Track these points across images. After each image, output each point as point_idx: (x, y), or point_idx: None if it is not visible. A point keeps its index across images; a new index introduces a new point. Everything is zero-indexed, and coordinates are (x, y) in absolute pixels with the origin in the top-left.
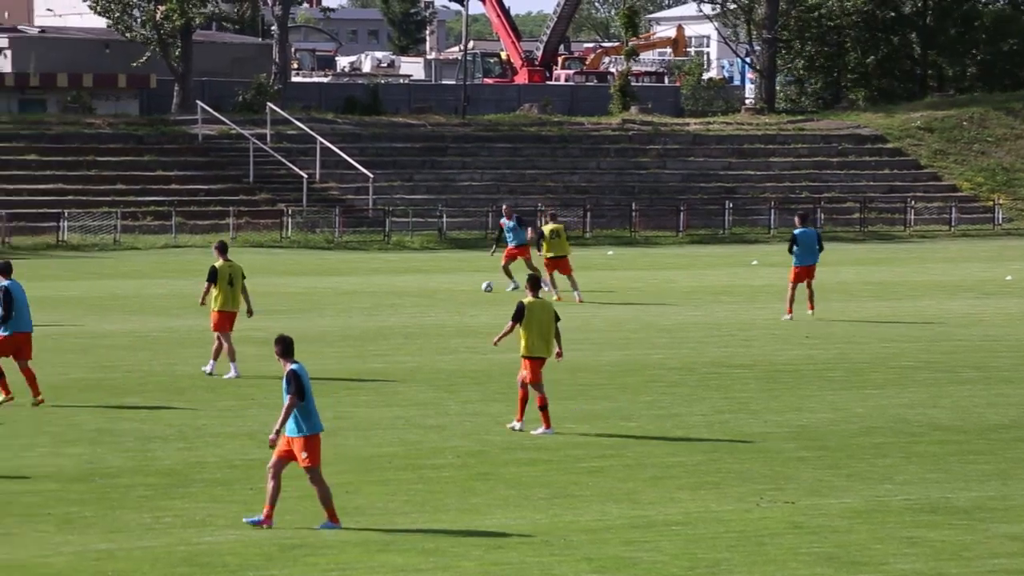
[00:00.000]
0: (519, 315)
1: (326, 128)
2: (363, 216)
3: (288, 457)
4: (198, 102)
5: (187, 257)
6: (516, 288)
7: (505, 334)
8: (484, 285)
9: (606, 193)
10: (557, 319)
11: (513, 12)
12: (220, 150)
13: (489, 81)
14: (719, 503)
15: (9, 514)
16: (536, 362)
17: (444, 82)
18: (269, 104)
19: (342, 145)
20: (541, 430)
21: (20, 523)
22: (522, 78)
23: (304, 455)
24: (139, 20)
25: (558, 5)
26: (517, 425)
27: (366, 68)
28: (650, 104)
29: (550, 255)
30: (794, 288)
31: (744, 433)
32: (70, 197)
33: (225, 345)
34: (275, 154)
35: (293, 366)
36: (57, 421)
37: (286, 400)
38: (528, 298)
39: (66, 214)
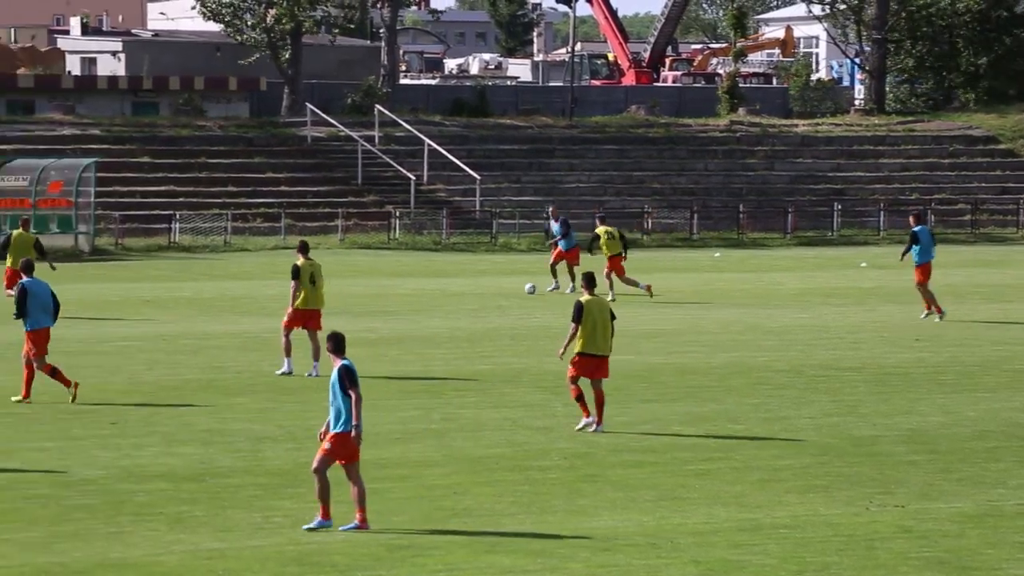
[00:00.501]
0: (579, 315)
1: (433, 130)
2: (470, 218)
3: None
4: (307, 104)
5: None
6: (556, 288)
7: (570, 340)
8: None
9: (713, 195)
10: (613, 317)
11: (620, 13)
12: (329, 152)
13: (596, 83)
14: (828, 507)
15: (122, 513)
16: (593, 360)
17: (551, 84)
18: (377, 106)
19: (449, 147)
20: (593, 428)
21: (132, 522)
22: (629, 79)
23: (328, 445)
24: (249, 24)
25: (665, 6)
26: (590, 423)
27: (474, 70)
28: (758, 105)
29: (612, 254)
30: (924, 286)
31: (853, 436)
32: (181, 199)
33: (311, 344)
34: (383, 156)
35: (344, 362)
36: (169, 421)
37: (351, 395)
38: (585, 296)
39: (177, 216)
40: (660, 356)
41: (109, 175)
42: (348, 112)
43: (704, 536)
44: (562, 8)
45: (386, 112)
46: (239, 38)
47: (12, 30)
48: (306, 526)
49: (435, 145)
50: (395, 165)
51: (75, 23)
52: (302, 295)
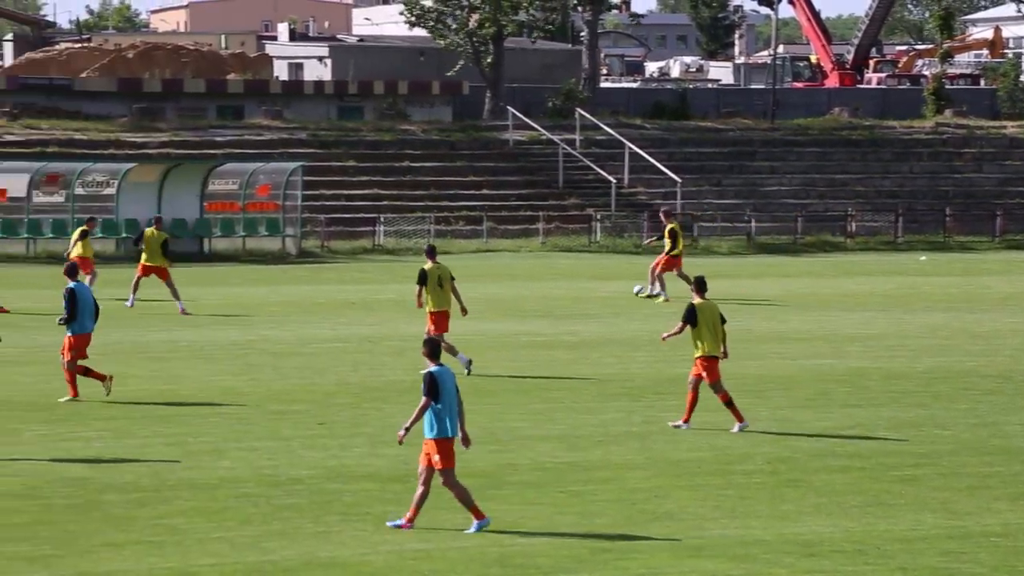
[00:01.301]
0: (692, 317)
1: (634, 133)
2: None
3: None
4: (509, 108)
5: (498, 261)
6: (642, 292)
7: (675, 333)
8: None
9: (918, 198)
10: (723, 320)
11: (824, 15)
12: (530, 155)
13: (798, 85)
14: None
15: (330, 512)
16: (712, 361)
17: (753, 86)
18: (578, 110)
19: (650, 150)
20: (737, 427)
21: (340, 522)
22: (832, 81)
23: (436, 457)
24: (452, 28)
25: (870, 7)
26: (683, 425)
27: (674, 73)
28: (965, 107)
29: (676, 253)
30: None
31: None
32: (385, 202)
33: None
34: (584, 159)
35: (433, 368)
36: (374, 422)
37: (422, 400)
38: (697, 299)
39: (381, 219)
40: (865, 360)
41: (315, 179)
42: (549, 115)
43: (912, 543)
44: (764, 10)
45: (587, 115)
46: (442, 43)
47: (223, 36)
48: (467, 530)
49: (636, 148)
50: (596, 168)
51: (283, 29)
52: (431, 299)
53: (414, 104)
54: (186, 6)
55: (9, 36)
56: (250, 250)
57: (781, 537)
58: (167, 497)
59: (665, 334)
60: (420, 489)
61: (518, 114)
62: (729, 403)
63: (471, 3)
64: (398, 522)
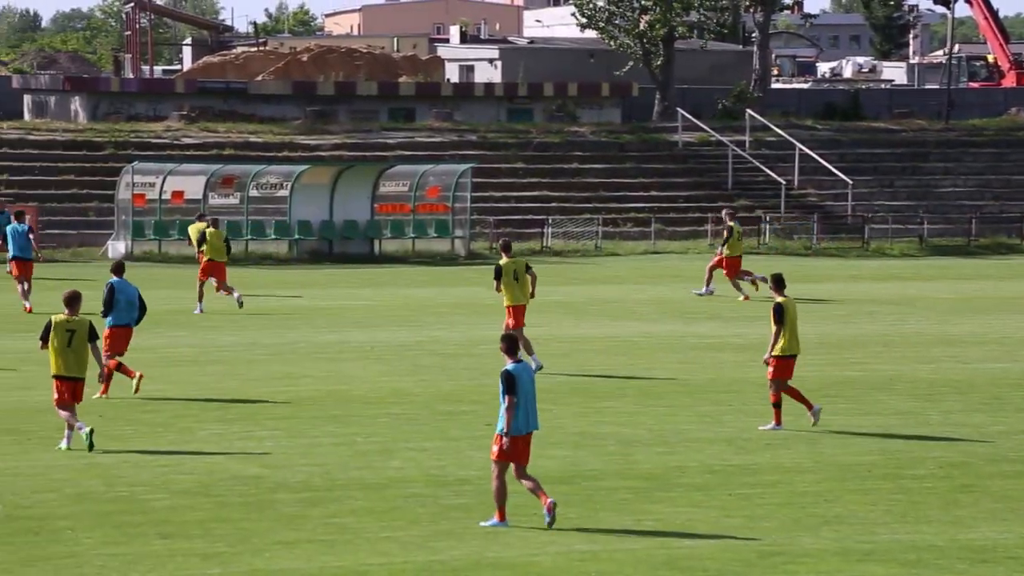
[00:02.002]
0: (781, 316)
1: (805, 134)
2: (841, 223)
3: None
4: (678, 109)
5: (666, 263)
6: (709, 293)
7: (775, 342)
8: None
9: None
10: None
11: (1002, 14)
12: (699, 157)
13: (974, 85)
14: None
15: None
16: (791, 361)
17: (927, 87)
18: (748, 111)
19: (821, 151)
20: (770, 426)
21: (510, 522)
22: (1009, 81)
23: (495, 448)
24: (623, 30)
25: None
26: (772, 426)
27: (847, 73)
28: None
29: (733, 255)
30: None
31: None
32: (554, 204)
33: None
34: (753, 161)
35: (509, 366)
36: (541, 423)
37: (504, 400)
38: (780, 298)
39: (550, 220)
40: None
41: (484, 180)
42: (719, 117)
43: None
44: (940, 9)
45: (757, 117)
46: (613, 44)
47: (395, 39)
48: (484, 523)
49: (806, 150)
50: (765, 170)
51: (454, 32)
52: (508, 292)
53: (583, 106)
54: (360, 9)
55: (188, 40)
56: (419, 251)
57: (954, 543)
58: (338, 496)
59: (768, 353)
60: (527, 484)
61: (687, 115)
62: (778, 405)
63: (642, 4)
64: (492, 522)
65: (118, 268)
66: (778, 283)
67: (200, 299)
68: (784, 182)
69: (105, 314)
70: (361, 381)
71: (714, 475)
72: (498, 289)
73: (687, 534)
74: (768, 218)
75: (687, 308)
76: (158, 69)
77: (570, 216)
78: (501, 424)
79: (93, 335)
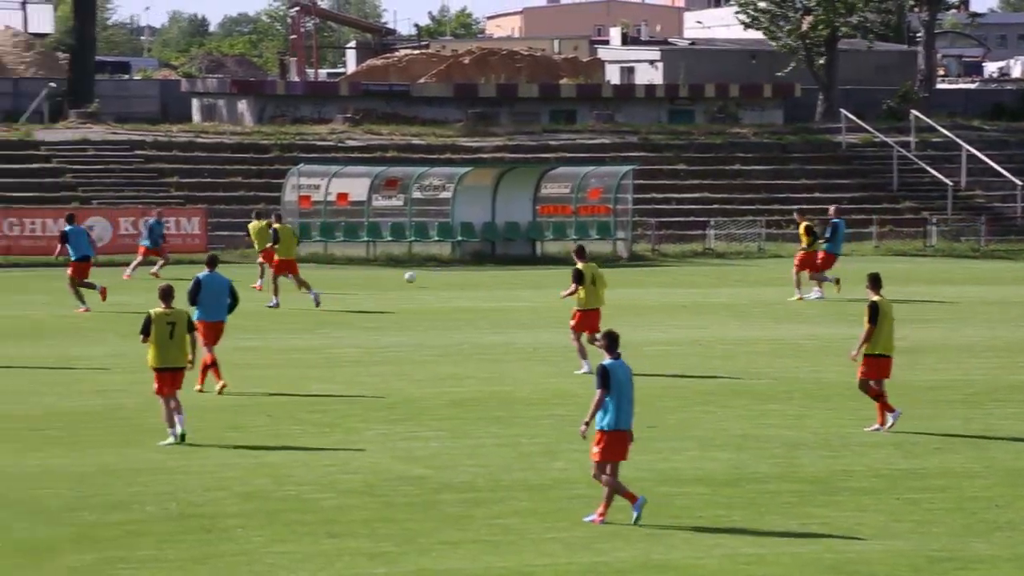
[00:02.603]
0: (875, 315)
1: (972, 135)
2: (1011, 224)
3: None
4: (841, 110)
5: None
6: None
7: (865, 341)
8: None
9: None
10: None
11: None
12: (863, 158)
13: None
14: None
15: (662, 515)
16: (887, 361)
17: None
18: (913, 111)
19: (989, 152)
20: (874, 427)
21: (672, 525)
22: None
23: (595, 448)
24: (786, 31)
25: None
26: (877, 428)
27: (1015, 73)
28: None
29: (812, 249)
30: None
31: None
32: (715, 206)
33: (576, 344)
34: (919, 162)
35: (606, 362)
36: (704, 425)
37: (597, 393)
38: (875, 297)
39: (712, 222)
40: None
41: (646, 182)
42: (883, 118)
43: None
44: None
45: (922, 117)
46: (775, 45)
47: (556, 41)
48: (587, 517)
49: (974, 150)
50: (931, 171)
51: (615, 33)
52: (584, 296)
53: (745, 107)
54: (521, 12)
55: (352, 43)
56: None
57: None
58: (502, 497)
59: (855, 351)
60: (605, 479)
61: (851, 116)
62: (880, 397)
63: (805, 5)
64: (591, 516)
65: (211, 262)
66: (874, 282)
67: (276, 292)
68: (951, 183)
69: (191, 304)
70: (525, 382)
71: (881, 479)
72: (574, 292)
73: (854, 538)
74: (935, 220)
75: (851, 310)
76: (323, 72)
77: (732, 218)
78: (598, 420)
79: (192, 327)
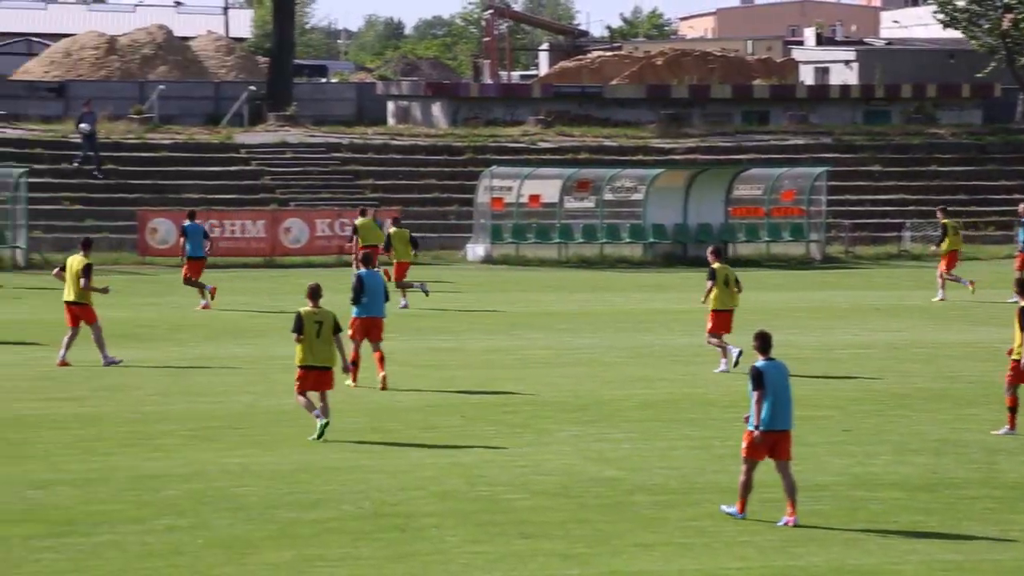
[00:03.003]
0: None
1: None
2: None
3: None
4: None
5: None
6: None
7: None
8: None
9: None
10: None
11: None
12: None
13: None
14: None
15: (856, 520)
16: None
17: None
18: None
19: None
20: (1003, 431)
21: (867, 529)
22: None
23: (744, 444)
24: (985, 29)
25: None
26: (1005, 431)
27: None
28: None
29: (948, 251)
30: None
31: None
32: (911, 207)
33: (715, 341)
34: None
35: (759, 363)
36: (900, 430)
37: (753, 394)
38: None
39: (908, 224)
40: None
41: (840, 184)
42: None
43: None
44: None
45: None
46: (974, 44)
47: (749, 42)
48: (724, 507)
49: None
50: None
51: (809, 34)
52: (717, 297)
53: (942, 107)
54: (714, 13)
55: (545, 46)
56: (774, 255)
57: None
58: (695, 500)
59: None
60: (784, 483)
61: None
62: (1014, 409)
63: (1006, 3)
64: (731, 509)
65: (367, 259)
66: (1022, 286)
67: (403, 294)
68: None
69: (354, 303)
70: (716, 384)
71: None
72: (709, 291)
73: None
74: None
75: None
76: (515, 74)
77: (929, 220)
78: (752, 419)
79: (337, 327)
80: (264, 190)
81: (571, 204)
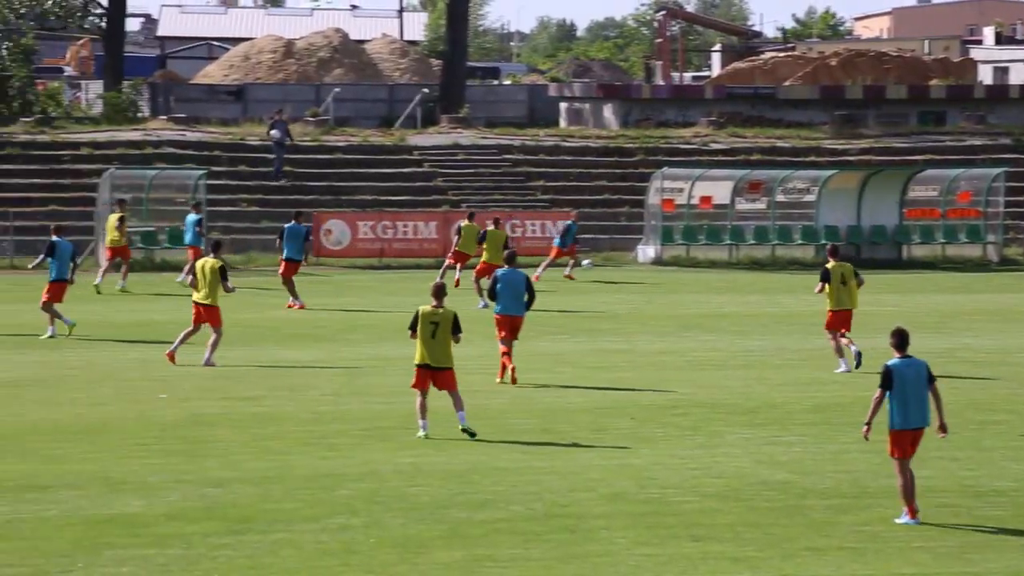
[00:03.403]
0: None
1: None
2: None
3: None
4: None
5: None
6: None
7: None
8: None
9: None
10: None
11: None
12: None
13: None
14: None
15: None
16: None
17: None
18: None
19: None
20: None
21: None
22: None
23: (889, 446)
24: None
25: None
26: None
27: None
28: None
29: None
30: None
31: None
32: None
33: (833, 343)
34: None
35: (891, 361)
36: None
37: (877, 392)
38: None
39: None
40: None
41: (1019, 184)
42: None
43: None
44: None
45: None
46: None
47: (926, 42)
48: (897, 519)
49: None
50: None
51: (988, 33)
52: (833, 295)
53: None
54: (890, 12)
55: (717, 46)
56: (949, 257)
57: None
58: (868, 504)
59: None
60: (901, 479)
61: None
62: None
63: None
64: (904, 519)
65: (509, 258)
66: None
67: (480, 294)
68: None
69: (492, 299)
70: None
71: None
72: (821, 290)
73: None
74: None
75: None
76: (687, 76)
77: None
78: (889, 419)
79: (456, 327)
80: (436, 192)
81: (742, 205)
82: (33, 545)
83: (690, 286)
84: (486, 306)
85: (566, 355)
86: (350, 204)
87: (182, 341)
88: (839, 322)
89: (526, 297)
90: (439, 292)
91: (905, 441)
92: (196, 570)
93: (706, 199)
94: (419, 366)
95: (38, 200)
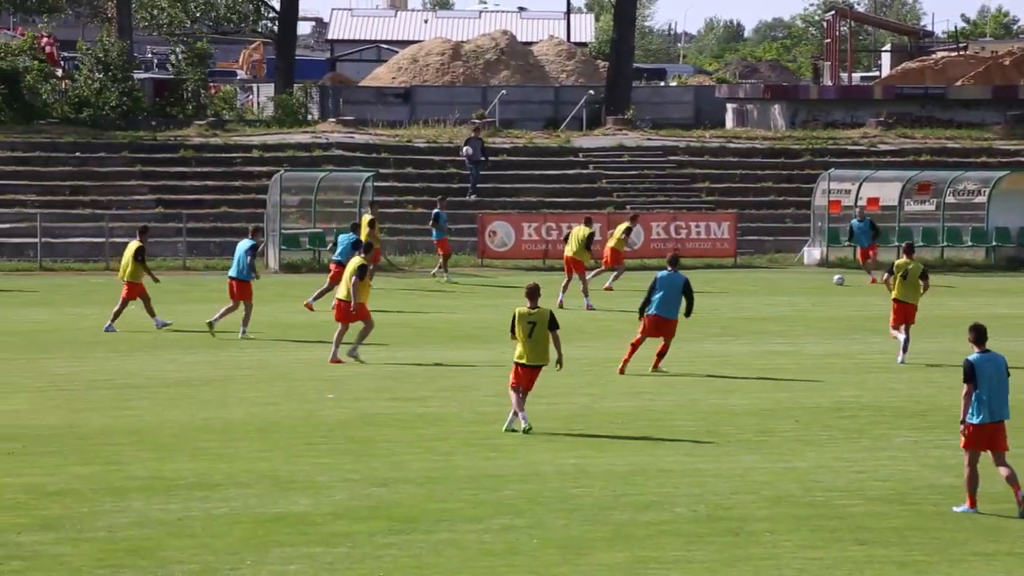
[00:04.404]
0: None
1: None
2: None
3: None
4: None
5: None
6: None
7: None
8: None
9: None
10: None
11: None
12: None
13: None
14: None
15: None
16: None
17: None
18: None
19: None
20: None
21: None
22: None
23: (962, 440)
24: None
25: None
26: None
27: None
28: None
29: None
30: None
31: None
32: None
33: (894, 332)
34: None
35: (971, 356)
36: None
37: (963, 389)
38: None
39: None
40: None
41: None
42: None
43: None
44: None
45: None
46: None
47: None
48: (955, 508)
49: None
50: None
51: None
52: (898, 288)
53: None
54: None
55: (887, 46)
56: None
57: None
58: None
59: None
60: (1003, 472)
61: None
62: None
63: None
64: (963, 508)
65: (673, 261)
66: None
67: (586, 294)
68: None
69: (646, 302)
70: None
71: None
72: (888, 282)
73: None
74: None
75: None
76: (856, 76)
77: None
78: (962, 413)
79: (553, 324)
80: (601, 193)
81: (911, 207)
82: (203, 542)
83: (856, 288)
84: (591, 307)
85: (731, 357)
86: (515, 206)
87: (337, 344)
88: (902, 314)
89: (684, 301)
90: (533, 293)
91: (983, 436)
92: (361, 569)
93: (873, 200)
94: (517, 364)
95: (210, 202)
